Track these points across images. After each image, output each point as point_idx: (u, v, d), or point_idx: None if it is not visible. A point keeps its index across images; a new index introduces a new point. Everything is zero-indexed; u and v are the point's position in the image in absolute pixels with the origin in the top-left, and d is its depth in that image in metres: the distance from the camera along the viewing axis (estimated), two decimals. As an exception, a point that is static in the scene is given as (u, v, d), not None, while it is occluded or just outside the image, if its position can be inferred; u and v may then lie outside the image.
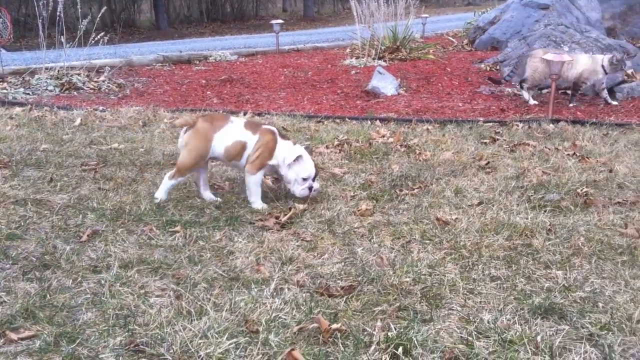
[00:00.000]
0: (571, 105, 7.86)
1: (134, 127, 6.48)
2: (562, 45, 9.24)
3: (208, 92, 9.12)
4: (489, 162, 5.17)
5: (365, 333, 2.64)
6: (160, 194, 4.22)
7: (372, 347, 2.51)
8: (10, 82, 9.21)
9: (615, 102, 7.90)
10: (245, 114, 7.17)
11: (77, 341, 2.54)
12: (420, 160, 5.28)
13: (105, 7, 11.35)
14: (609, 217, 3.96)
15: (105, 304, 2.84)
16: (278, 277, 3.14)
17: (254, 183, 4.19)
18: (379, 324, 2.69)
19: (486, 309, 2.84)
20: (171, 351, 2.48)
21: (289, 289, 3.03)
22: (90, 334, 2.61)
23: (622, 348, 2.53)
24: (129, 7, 27.33)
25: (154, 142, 5.86)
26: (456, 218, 3.93)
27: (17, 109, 7.29)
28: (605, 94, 7.91)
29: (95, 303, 2.86)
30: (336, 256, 3.43)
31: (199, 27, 26.72)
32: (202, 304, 2.84)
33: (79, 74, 9.37)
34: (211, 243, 3.57)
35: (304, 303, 2.88)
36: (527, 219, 3.90)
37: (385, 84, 8.88)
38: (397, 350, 2.47)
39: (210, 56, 12.51)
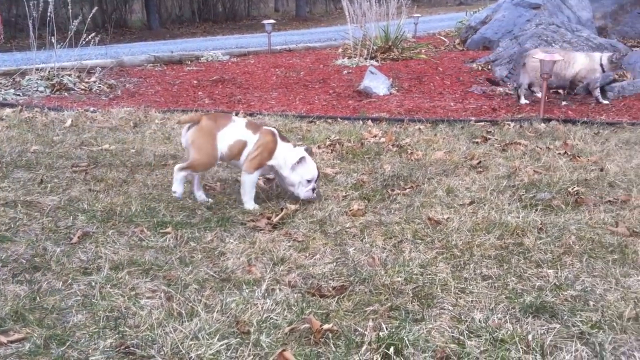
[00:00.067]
0: (563, 103, 7.88)
1: (124, 128, 6.46)
2: (553, 44, 9.26)
3: (200, 93, 9.11)
4: (480, 162, 5.18)
5: (357, 333, 2.63)
6: (176, 188, 4.21)
7: (364, 347, 2.51)
8: (1, 83, 9.17)
9: (606, 101, 7.93)
10: (237, 114, 7.15)
11: (67, 343, 2.53)
12: (412, 160, 5.28)
13: (96, 8, 11.29)
14: (600, 215, 3.97)
15: (95, 306, 2.83)
16: (269, 277, 3.14)
17: (249, 182, 4.19)
18: (370, 323, 2.69)
19: (477, 308, 2.84)
20: (162, 353, 2.47)
21: (280, 289, 3.02)
22: (81, 336, 2.60)
23: (612, 346, 2.53)
24: (120, 7, 27.22)
25: (145, 142, 5.84)
26: (448, 217, 3.94)
27: (8, 110, 7.26)
28: (597, 92, 7.94)
29: (86, 305, 2.85)
30: (328, 256, 3.43)
31: (191, 27, 26.65)
32: (193, 305, 2.84)
33: (69, 75, 9.33)
34: (202, 244, 3.56)
35: (296, 303, 2.87)
36: (518, 218, 3.91)
37: (377, 83, 8.88)
38: (388, 350, 2.47)
39: (202, 56, 12.48)
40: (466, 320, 2.72)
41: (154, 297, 2.93)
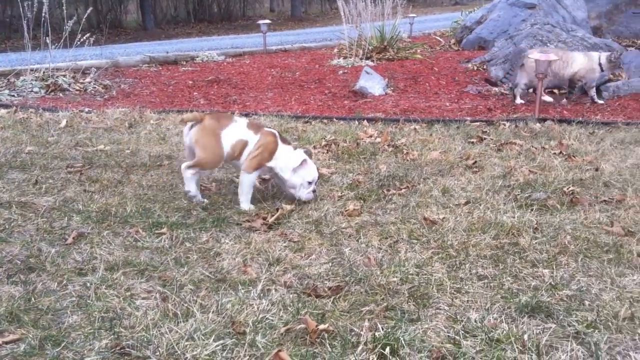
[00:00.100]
0: (563, 101, 7.89)
1: (120, 129, 6.45)
2: (548, 44, 9.28)
3: (195, 93, 9.09)
4: (476, 162, 5.18)
5: (353, 333, 2.63)
6: (189, 188, 4.20)
7: (360, 348, 2.51)
8: (-5, 83, 9.15)
9: (601, 101, 7.94)
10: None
11: (62, 344, 2.53)
12: (407, 160, 5.28)
13: (91, 8, 11.23)
14: (595, 215, 3.98)
15: (90, 307, 2.82)
16: (265, 278, 3.13)
17: (247, 182, 4.19)
18: (366, 324, 2.69)
19: (473, 308, 2.84)
20: (157, 353, 2.46)
21: (276, 290, 3.02)
22: (76, 337, 2.59)
23: (608, 346, 2.54)
24: (115, 7, 27.16)
25: (140, 143, 5.83)
26: (443, 217, 3.94)
27: (2, 111, 7.23)
28: (593, 92, 7.95)
29: (81, 306, 2.84)
30: (323, 256, 3.42)
31: (186, 28, 26.61)
32: (188, 305, 2.83)
33: (64, 76, 9.31)
34: (198, 245, 3.55)
35: (291, 304, 2.87)
36: (513, 217, 3.91)
37: (373, 84, 8.88)
38: (384, 350, 2.47)
39: (197, 57, 12.47)
40: (462, 320, 2.72)
41: (150, 298, 2.92)
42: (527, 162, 5.21)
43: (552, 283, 3.07)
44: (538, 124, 6.61)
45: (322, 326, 2.63)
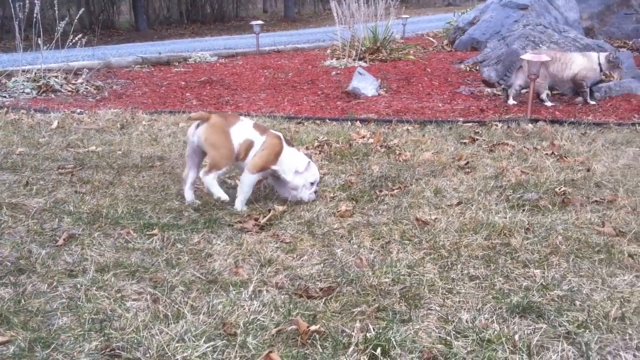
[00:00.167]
0: (579, 101, 7.92)
1: (111, 130, 6.43)
2: (540, 45, 9.30)
3: (187, 94, 9.08)
4: (468, 162, 5.19)
5: (344, 334, 2.63)
6: (217, 192, 4.18)
7: (351, 348, 2.50)
8: (-13, 84, 9.11)
9: (593, 102, 7.96)
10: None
11: (52, 346, 2.51)
12: (400, 161, 5.28)
13: (83, 9, 11.19)
14: (587, 215, 3.99)
15: (81, 309, 2.81)
16: (257, 279, 3.13)
17: (248, 182, 4.18)
18: (357, 324, 2.68)
19: (465, 309, 2.84)
20: (147, 355, 2.45)
21: (267, 291, 3.01)
22: (66, 339, 2.58)
23: (599, 346, 2.54)
24: (107, 8, 27.10)
25: (132, 144, 5.81)
26: (435, 218, 3.94)
27: (-7, 112, 7.20)
28: (586, 93, 7.98)
29: (71, 307, 2.83)
30: (315, 257, 3.42)
31: (179, 29, 26.57)
32: (179, 307, 2.82)
33: (56, 77, 9.28)
34: (189, 246, 3.54)
35: (283, 305, 2.86)
36: (505, 218, 3.91)
37: (366, 84, 8.89)
38: (375, 351, 2.46)
39: (190, 57, 12.45)
40: (453, 321, 2.72)
41: (140, 299, 2.91)
42: (519, 162, 5.22)
43: (544, 283, 3.07)
44: (530, 125, 6.62)
45: (313, 327, 2.62)
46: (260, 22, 14.17)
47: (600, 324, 2.69)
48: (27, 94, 8.73)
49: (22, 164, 5.04)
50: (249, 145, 4.16)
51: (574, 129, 6.43)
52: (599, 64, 7.72)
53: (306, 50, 14.24)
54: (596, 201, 4.27)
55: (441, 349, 2.52)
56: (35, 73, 9.19)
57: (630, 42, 12.67)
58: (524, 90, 7.95)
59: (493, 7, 13.42)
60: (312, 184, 4.26)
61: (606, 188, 4.56)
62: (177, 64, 12.04)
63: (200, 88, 9.52)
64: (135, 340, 2.54)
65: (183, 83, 9.90)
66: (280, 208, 4.10)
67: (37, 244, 3.51)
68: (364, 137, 6.10)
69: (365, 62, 11.54)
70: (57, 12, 9.86)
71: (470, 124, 6.74)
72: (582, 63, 7.73)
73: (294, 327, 2.64)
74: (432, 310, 2.84)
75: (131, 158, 5.34)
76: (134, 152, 5.53)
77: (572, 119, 6.92)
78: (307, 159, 4.24)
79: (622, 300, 2.91)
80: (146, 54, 12.67)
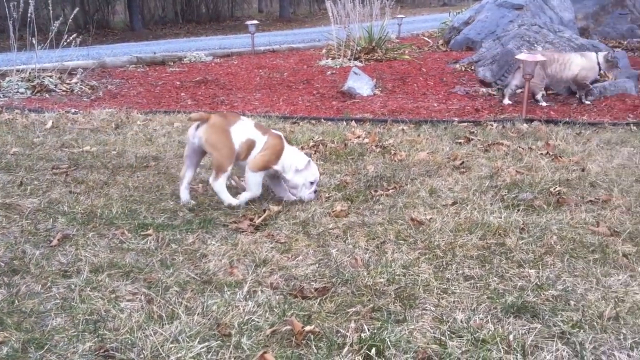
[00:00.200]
0: (586, 102, 7.93)
1: (106, 130, 6.41)
2: (535, 45, 9.31)
3: (182, 94, 9.06)
4: (463, 162, 5.19)
5: (339, 334, 2.62)
6: (227, 198, 4.15)
7: (346, 349, 2.50)
8: (-19, 84, 9.07)
9: (588, 102, 7.98)
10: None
11: (46, 347, 2.50)
12: (395, 161, 5.28)
13: (77, 8, 11.16)
14: (581, 215, 3.99)
15: (75, 309, 2.80)
16: (251, 279, 3.12)
17: (254, 182, 4.19)
18: (352, 325, 2.68)
19: (459, 309, 2.84)
20: (141, 356, 2.45)
21: (262, 291, 3.01)
22: (60, 339, 2.57)
23: (593, 346, 2.54)
24: (102, 8, 27.04)
25: (126, 144, 5.79)
26: (430, 218, 3.94)
27: (-12, 112, 7.17)
28: (582, 93, 8.00)
29: (65, 308, 2.82)
30: (310, 258, 3.41)
31: (174, 28, 26.53)
32: (173, 307, 2.81)
33: (50, 76, 9.25)
34: (184, 246, 3.53)
35: (278, 305, 2.86)
36: (500, 218, 3.92)
37: (361, 84, 8.88)
38: (370, 351, 2.46)
39: (185, 57, 12.43)
40: (448, 321, 2.72)
41: (134, 300, 2.90)
42: (514, 162, 5.22)
43: (538, 283, 3.08)
44: (525, 125, 6.63)
45: (308, 327, 2.62)
46: (255, 21, 14.15)
47: (595, 323, 2.70)
48: (22, 93, 8.70)
49: (16, 164, 5.02)
50: (250, 145, 4.15)
51: (568, 129, 6.44)
52: (598, 64, 7.74)
53: (301, 50, 14.23)
54: (591, 201, 4.28)
55: (436, 349, 2.52)
56: (30, 73, 9.16)
57: (625, 42, 12.71)
58: (519, 90, 7.95)
59: (488, 7, 13.43)
60: (312, 183, 4.27)
61: (601, 188, 4.57)
62: (172, 63, 12.02)
63: (195, 88, 9.51)
64: (130, 341, 2.54)
65: (178, 83, 9.88)
66: (275, 208, 4.09)
67: (31, 245, 3.49)
68: (359, 137, 6.10)
69: (361, 61, 11.53)
70: (51, 11, 9.83)
71: (466, 124, 6.74)
72: (581, 63, 7.75)
73: (288, 327, 2.63)
74: (426, 310, 2.84)
75: (126, 158, 5.32)
76: (128, 152, 5.52)
77: (567, 119, 6.94)
78: (307, 158, 4.25)
79: (616, 300, 2.91)
80: (141, 54, 12.64)
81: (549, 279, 3.13)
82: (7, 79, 9.10)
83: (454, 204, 4.22)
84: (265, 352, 2.44)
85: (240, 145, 4.12)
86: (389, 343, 2.52)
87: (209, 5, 30.28)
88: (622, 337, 2.60)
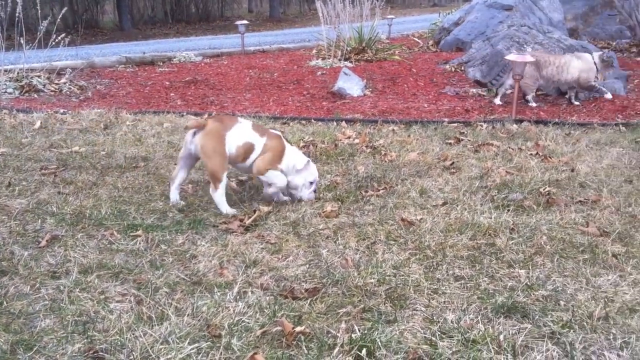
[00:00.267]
0: (575, 103, 7.96)
1: (95, 130, 6.38)
2: (525, 45, 9.34)
3: (172, 94, 9.03)
4: (453, 163, 5.20)
5: (329, 335, 2.62)
6: (225, 209, 4.11)
7: (336, 349, 2.49)
8: (-31, 84, 9.00)
9: (577, 102, 8.01)
10: (210, 115, 7.10)
11: (34, 349, 2.48)
12: (385, 161, 5.28)
13: (66, 8, 11.08)
14: (571, 215, 4.01)
15: (63, 311, 2.78)
16: (242, 280, 3.11)
17: (269, 180, 4.21)
18: (343, 325, 2.67)
19: (450, 309, 2.84)
20: (131, 357, 2.43)
21: (252, 292, 3.00)
22: (48, 341, 2.55)
23: (583, 345, 2.55)
24: (91, 7, 26.89)
25: (115, 144, 5.76)
26: (421, 218, 3.94)
27: (-25, 112, 7.12)
28: (573, 93, 8.03)
29: (54, 309, 2.80)
30: (301, 258, 3.41)
31: (164, 28, 26.43)
32: (163, 309, 2.80)
33: (39, 76, 9.19)
34: (173, 247, 3.52)
35: (268, 306, 2.85)
36: (490, 218, 3.92)
37: (351, 85, 8.88)
38: (360, 352, 2.46)
39: (175, 57, 12.38)
40: (438, 321, 2.72)
41: (124, 301, 2.88)
42: (504, 163, 5.24)
43: (528, 283, 3.08)
44: (515, 125, 6.65)
45: (298, 328, 2.61)
46: (245, 22, 14.13)
47: (585, 323, 2.71)
48: (10, 94, 8.64)
49: (4, 164, 4.99)
50: (248, 149, 4.14)
51: (558, 130, 6.46)
52: (595, 64, 7.79)
53: (292, 51, 14.21)
54: (580, 201, 4.29)
55: (426, 349, 2.52)
56: (18, 73, 9.10)
57: (614, 43, 12.78)
58: (511, 91, 7.97)
59: (478, 8, 13.47)
60: (311, 183, 4.28)
61: (590, 188, 4.59)
62: (161, 63, 11.97)
63: (185, 88, 9.48)
64: (119, 342, 2.52)
65: (167, 83, 9.85)
66: (266, 209, 4.08)
67: (19, 246, 3.47)
68: (349, 137, 6.10)
69: (351, 62, 11.54)
70: (39, 11, 9.78)
71: (456, 125, 6.75)
72: (579, 66, 7.78)
73: (279, 328, 2.63)
74: (417, 310, 2.84)
75: (115, 158, 5.30)
76: (117, 152, 5.49)
77: (557, 120, 6.96)
78: (307, 158, 4.26)
79: (606, 300, 2.92)
80: (130, 54, 12.59)
81: (539, 279, 3.14)
82: (-5, 78, 9.04)
83: (444, 204, 4.23)
84: (255, 353, 2.43)
85: (237, 149, 4.10)
86: (379, 343, 2.52)
87: (199, 5, 30.19)
88: (611, 337, 2.61)
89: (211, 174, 4.06)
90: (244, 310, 2.80)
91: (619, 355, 2.50)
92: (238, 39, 14.28)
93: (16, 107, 7.54)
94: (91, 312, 2.77)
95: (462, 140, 6.02)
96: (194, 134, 4.07)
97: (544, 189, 4.46)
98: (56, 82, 9.30)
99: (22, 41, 8.93)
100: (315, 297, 2.94)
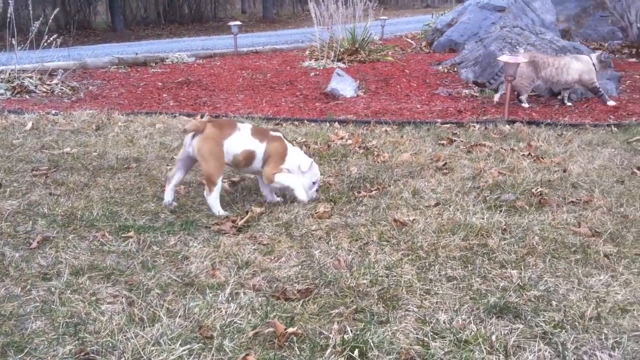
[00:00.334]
0: (568, 104, 7.99)
1: (87, 131, 6.35)
2: (517, 47, 9.36)
3: (164, 95, 9.01)
4: (446, 163, 5.20)
5: (322, 336, 2.61)
6: (218, 211, 4.09)
7: (328, 350, 2.49)
8: (-40, 85, 8.96)
9: (569, 103, 8.04)
10: (202, 116, 7.08)
11: (25, 351, 2.48)
12: (378, 162, 5.28)
13: (58, 9, 11.04)
14: (563, 216, 4.02)
15: (55, 312, 2.77)
16: (234, 281, 3.10)
17: (283, 184, 4.20)
18: (335, 326, 2.67)
19: (442, 309, 2.84)
20: (122, 359, 2.42)
21: (244, 293, 2.99)
22: (39, 343, 2.54)
23: (575, 345, 2.55)
24: (84, 8, 26.82)
25: (107, 145, 5.74)
26: (413, 219, 3.94)
27: (-34, 113, 7.08)
28: (566, 94, 8.06)
29: (45, 311, 2.79)
30: (293, 259, 3.40)
31: (156, 29, 26.39)
32: (155, 310, 2.79)
33: (30, 77, 9.15)
34: (165, 248, 3.51)
35: (260, 307, 2.85)
36: (483, 219, 3.93)
37: (344, 85, 8.88)
38: (353, 352, 2.46)
39: (167, 58, 12.35)
40: (431, 322, 2.72)
41: (115, 303, 2.87)
42: (496, 163, 5.24)
43: (520, 284, 3.09)
44: (507, 126, 6.66)
45: (290, 329, 2.61)
46: (238, 22, 14.10)
47: (577, 324, 2.71)
48: (1, 95, 8.58)
49: (-4, 165, 4.97)
50: (248, 156, 4.13)
51: (550, 130, 6.48)
52: (593, 64, 7.82)
53: (285, 51, 14.21)
54: (572, 202, 4.30)
55: (419, 350, 2.52)
56: (10, 74, 9.05)
57: (606, 44, 12.82)
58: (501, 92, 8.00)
59: (471, 9, 13.49)
60: (314, 183, 4.29)
61: (582, 189, 4.60)
62: (154, 64, 11.94)
63: (178, 89, 9.46)
64: (110, 344, 2.51)
65: (160, 84, 9.82)
66: (258, 210, 4.07)
67: (10, 247, 3.45)
68: (342, 138, 6.10)
69: (344, 63, 11.54)
70: (31, 11, 9.73)
71: (448, 125, 6.76)
72: (579, 67, 7.80)
73: (271, 329, 2.62)
74: (409, 311, 2.84)
75: (107, 160, 5.28)
76: (109, 153, 5.47)
77: (549, 120, 6.98)
78: (310, 159, 4.26)
79: (597, 300, 2.93)
80: (123, 55, 12.55)
81: (531, 279, 3.15)
82: (-13, 80, 8.99)
83: (436, 205, 4.23)
84: (247, 355, 2.43)
85: (235, 157, 4.10)
86: (372, 344, 2.51)
87: (192, 6, 30.15)
88: (603, 337, 2.62)
89: (207, 177, 4.05)
90: (236, 311, 2.80)
91: (610, 355, 2.50)
92: (231, 40, 14.26)
93: (7, 108, 7.50)
94: (82, 313, 2.76)
95: (455, 141, 6.03)
96: (193, 136, 4.06)
97: (536, 190, 4.47)
98: (48, 83, 9.26)
99: (13, 42, 8.89)
100: (307, 298, 2.94)
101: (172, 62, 12.17)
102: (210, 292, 2.98)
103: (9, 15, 8.79)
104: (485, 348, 2.51)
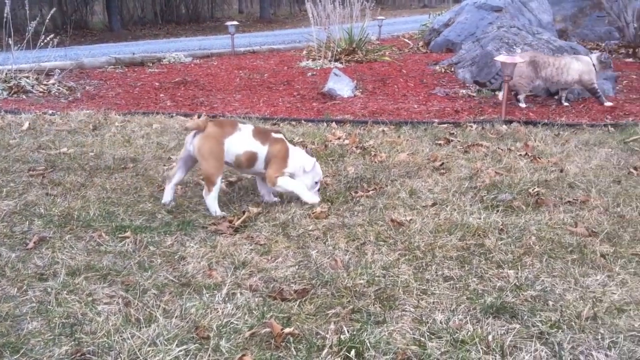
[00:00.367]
0: (565, 104, 8.00)
1: (84, 131, 6.34)
2: (514, 47, 9.37)
3: (161, 95, 9.00)
4: (443, 163, 5.21)
5: (318, 336, 2.61)
6: (215, 211, 4.08)
7: (325, 351, 2.49)
8: (-44, 85, 8.94)
9: (566, 103, 8.05)
10: (199, 117, 7.09)
11: (21, 351, 2.47)
12: (375, 162, 5.28)
13: (55, 8, 11.05)
14: (560, 216, 4.02)
15: (51, 313, 2.76)
16: (230, 282, 3.10)
17: (288, 188, 4.18)
18: (332, 326, 2.67)
19: (439, 310, 2.84)
20: (118, 359, 2.42)
21: (241, 293, 2.99)
22: (35, 343, 2.54)
23: (571, 345, 2.55)
24: (80, 8, 26.77)
25: (104, 145, 5.74)
26: (410, 219, 3.94)
27: (-37, 113, 7.07)
28: (564, 94, 8.07)
29: (41, 312, 2.78)
30: (290, 259, 3.40)
31: (153, 29, 26.36)
32: (151, 310, 2.79)
33: (27, 77, 9.13)
34: (162, 248, 3.50)
35: (257, 308, 2.84)
36: (479, 219, 3.93)
37: (342, 85, 8.88)
38: (349, 353, 2.46)
39: (164, 58, 12.34)
40: (427, 322, 2.73)
41: (112, 303, 2.87)
42: (493, 163, 5.25)
43: (517, 284, 3.09)
44: (504, 126, 6.66)
45: (287, 330, 2.61)
46: (235, 22, 14.10)
47: (573, 323, 2.71)
48: (-2, 94, 8.59)
49: (-8, 165, 4.96)
50: (250, 157, 4.12)
51: (547, 130, 6.48)
52: (594, 65, 7.83)
53: (282, 51, 14.21)
54: (569, 202, 4.31)
55: (415, 350, 2.52)
56: (6, 74, 9.04)
57: (603, 44, 12.84)
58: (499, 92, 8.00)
59: (468, 9, 13.50)
60: (316, 183, 4.30)
61: (579, 189, 4.60)
62: (151, 64, 11.93)
63: (175, 89, 9.45)
64: (107, 345, 2.51)
65: (157, 84, 9.81)
66: (255, 210, 4.07)
67: (6, 247, 3.45)
68: (339, 138, 6.10)
69: (341, 63, 11.54)
70: (28, 11, 9.70)
71: (445, 125, 6.76)
72: (579, 68, 7.80)
73: (267, 329, 2.62)
74: (406, 311, 2.84)
75: (103, 160, 5.27)
76: (106, 153, 5.46)
77: (546, 120, 6.98)
78: (313, 159, 4.25)
79: (594, 300, 2.93)
80: (120, 55, 12.54)
81: (528, 279, 3.15)
82: (-17, 80, 8.98)
83: (433, 205, 4.23)
84: (244, 355, 2.43)
85: (236, 157, 4.09)
86: (368, 344, 2.51)
87: (189, 6, 30.12)
88: (599, 337, 2.62)
89: (206, 176, 4.05)
90: (233, 311, 2.80)
91: (607, 355, 2.50)
92: (228, 40, 14.26)
93: (4, 108, 7.49)
94: (79, 314, 2.76)
95: (452, 141, 6.03)
96: (194, 135, 4.06)
97: (533, 190, 4.48)
98: (45, 83, 9.24)
99: (10, 42, 8.88)
100: (304, 298, 2.94)
101: (169, 62, 12.17)
102: (207, 293, 2.98)
103: (5, 15, 8.78)
104: (481, 348, 2.51)
